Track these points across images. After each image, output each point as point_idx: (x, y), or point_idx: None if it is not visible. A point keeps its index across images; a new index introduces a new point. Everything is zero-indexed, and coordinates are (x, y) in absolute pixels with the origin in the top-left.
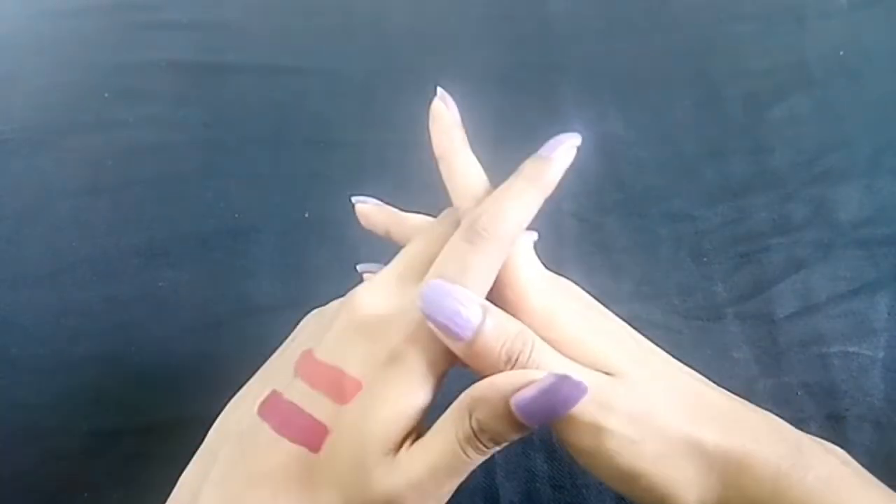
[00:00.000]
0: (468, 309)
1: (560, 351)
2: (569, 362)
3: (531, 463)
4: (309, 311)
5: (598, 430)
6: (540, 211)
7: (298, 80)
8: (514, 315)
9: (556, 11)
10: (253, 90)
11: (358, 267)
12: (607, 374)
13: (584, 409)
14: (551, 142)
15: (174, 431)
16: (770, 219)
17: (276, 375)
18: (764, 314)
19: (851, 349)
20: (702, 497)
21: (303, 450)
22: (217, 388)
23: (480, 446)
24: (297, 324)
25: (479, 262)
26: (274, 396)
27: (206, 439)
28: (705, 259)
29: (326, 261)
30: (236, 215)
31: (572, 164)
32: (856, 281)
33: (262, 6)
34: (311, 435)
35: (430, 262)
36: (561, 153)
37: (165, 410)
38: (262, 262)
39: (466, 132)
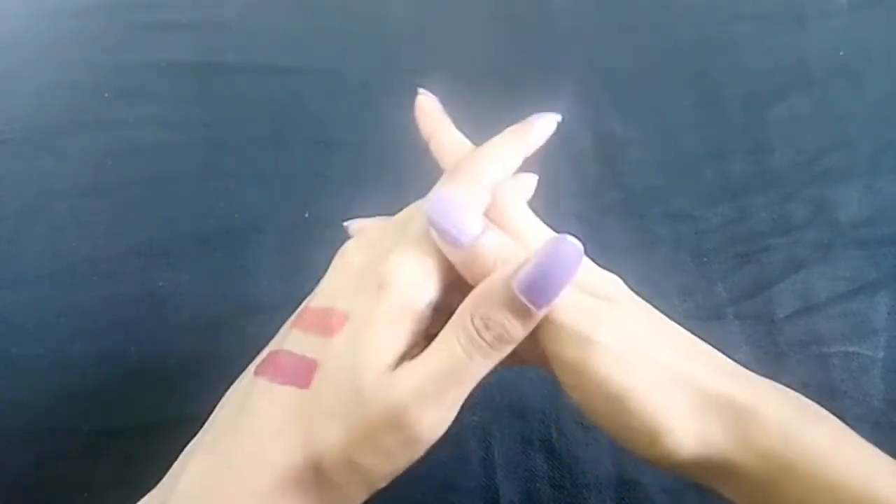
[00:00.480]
0: (471, 218)
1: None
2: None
3: (531, 463)
4: None
5: (586, 341)
6: (540, 211)
7: (298, 80)
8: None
9: (556, 11)
10: (253, 90)
11: (345, 223)
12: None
13: (575, 318)
14: (533, 116)
15: (174, 431)
16: (770, 219)
17: (277, 339)
18: (764, 314)
19: (851, 349)
20: (699, 438)
21: (294, 389)
22: (217, 388)
23: (484, 345)
24: None
25: (457, 189)
26: (270, 354)
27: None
28: (705, 259)
29: (326, 261)
30: (236, 215)
31: (572, 164)
32: (856, 281)
33: (262, 6)
34: (300, 373)
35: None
36: (543, 121)
37: (165, 410)
38: (262, 262)
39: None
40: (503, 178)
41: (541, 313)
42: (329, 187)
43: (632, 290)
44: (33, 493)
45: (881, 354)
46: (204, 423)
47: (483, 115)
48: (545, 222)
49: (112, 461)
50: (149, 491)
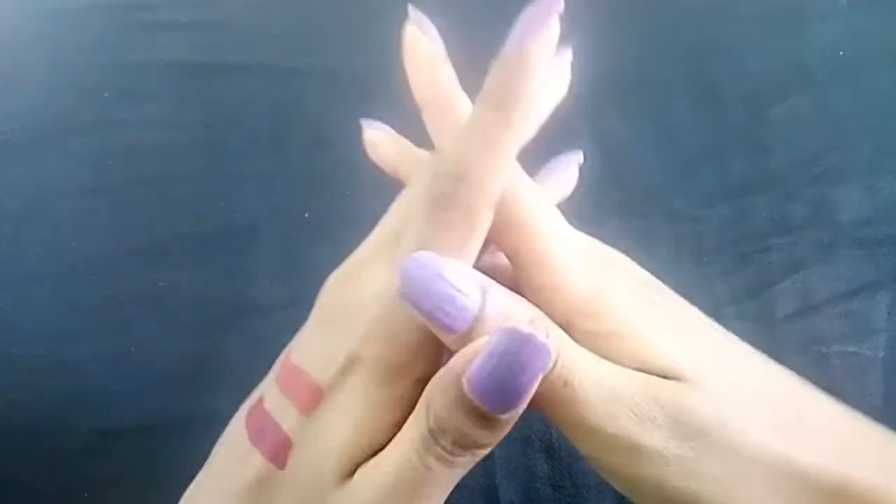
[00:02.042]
0: (463, 291)
1: (603, 347)
2: (604, 364)
3: (531, 463)
4: (309, 312)
5: (635, 449)
6: None
7: (298, 80)
8: (547, 303)
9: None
10: (253, 90)
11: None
12: (671, 378)
13: (616, 421)
14: (517, 26)
15: (174, 431)
16: (770, 219)
17: (267, 377)
18: (764, 314)
19: (851, 349)
20: None
21: (271, 466)
22: (217, 388)
23: (442, 453)
24: (299, 325)
25: (442, 238)
26: (257, 404)
27: (213, 450)
28: (705, 259)
29: (326, 261)
30: (236, 215)
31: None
32: (856, 281)
33: (262, 6)
34: (278, 449)
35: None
36: (530, 41)
37: (165, 410)
38: (262, 262)
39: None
40: (511, 175)
41: (509, 418)
42: (329, 187)
43: None
44: (33, 493)
45: (881, 354)
46: (204, 424)
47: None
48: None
49: (112, 461)
50: (149, 491)
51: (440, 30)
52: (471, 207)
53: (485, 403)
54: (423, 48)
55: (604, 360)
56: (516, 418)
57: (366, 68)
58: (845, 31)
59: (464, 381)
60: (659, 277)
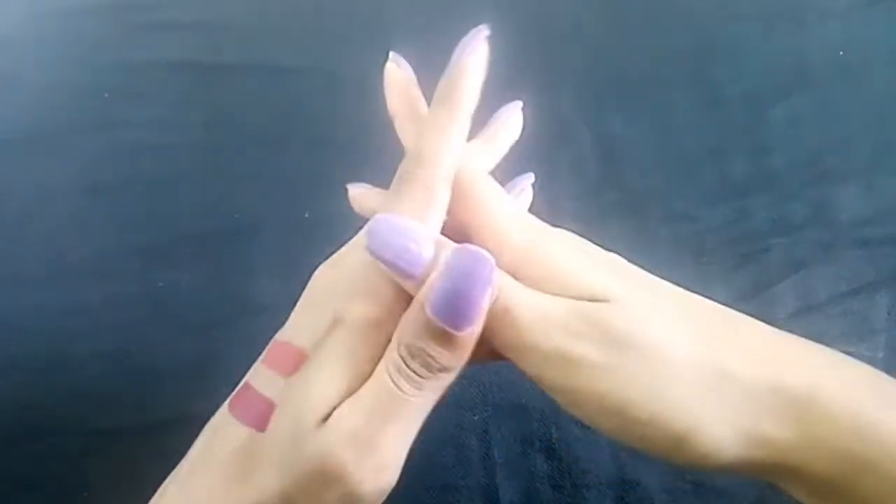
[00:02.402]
0: (418, 243)
1: (544, 287)
2: (539, 294)
3: (531, 463)
4: None
5: (566, 359)
6: (539, 211)
7: (298, 80)
8: (495, 259)
9: (556, 11)
10: (253, 90)
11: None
12: (589, 299)
13: (548, 337)
14: (459, 46)
15: (174, 431)
16: (770, 219)
17: (253, 367)
18: (764, 314)
19: (851, 349)
20: (744, 438)
21: (252, 432)
22: (217, 388)
23: (412, 375)
24: None
25: (405, 208)
26: (243, 388)
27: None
28: (705, 259)
29: (326, 260)
30: (236, 215)
31: (572, 164)
32: (856, 281)
33: (262, 6)
34: (260, 414)
35: None
36: (470, 53)
37: (165, 410)
38: (262, 262)
39: (423, 93)
40: (460, 164)
41: (466, 335)
42: (329, 187)
43: None
44: (33, 493)
45: (881, 354)
46: (204, 423)
47: (483, 116)
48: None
49: (112, 461)
50: (149, 491)
51: (413, 64)
52: (426, 181)
53: (444, 320)
54: (396, 74)
55: (537, 291)
56: (474, 338)
57: (366, 68)
58: (845, 31)
59: (426, 305)
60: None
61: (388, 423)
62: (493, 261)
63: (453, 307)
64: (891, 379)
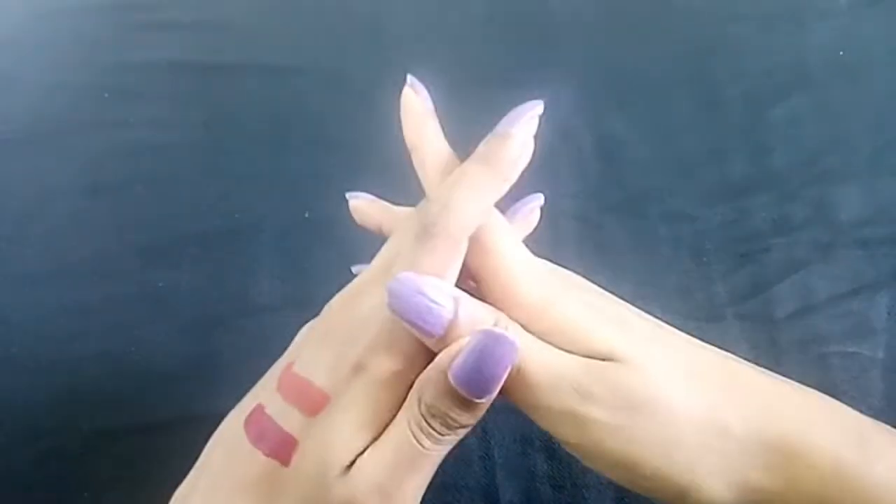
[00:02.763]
0: (438, 303)
1: (555, 342)
2: (551, 351)
3: (531, 463)
4: (309, 312)
5: (577, 420)
6: (539, 211)
7: (298, 80)
8: (504, 310)
9: (556, 11)
10: (253, 90)
11: (353, 269)
12: (603, 358)
13: (560, 398)
14: (510, 115)
15: (174, 431)
16: (770, 219)
17: (264, 388)
18: (764, 314)
19: (851, 349)
20: (737, 488)
21: (275, 463)
22: (217, 388)
23: (433, 433)
24: (299, 325)
25: (429, 261)
26: (257, 410)
27: (203, 453)
28: (705, 259)
29: (326, 261)
30: (236, 215)
31: (572, 164)
32: (856, 281)
33: (262, 6)
34: (282, 448)
35: None
36: (522, 126)
37: (165, 410)
38: (262, 262)
39: (441, 122)
40: (484, 219)
41: (485, 402)
42: (329, 187)
43: (632, 290)
44: (33, 493)
45: (881, 354)
46: (204, 423)
47: (483, 116)
48: (545, 223)
49: (112, 461)
50: (149, 491)
51: (432, 91)
52: (453, 238)
53: (466, 391)
54: (414, 105)
55: (551, 347)
56: (491, 401)
57: (366, 68)
58: (845, 31)
59: (449, 374)
60: (659, 277)
61: (408, 475)
62: (517, 344)
63: (475, 382)
64: (878, 426)
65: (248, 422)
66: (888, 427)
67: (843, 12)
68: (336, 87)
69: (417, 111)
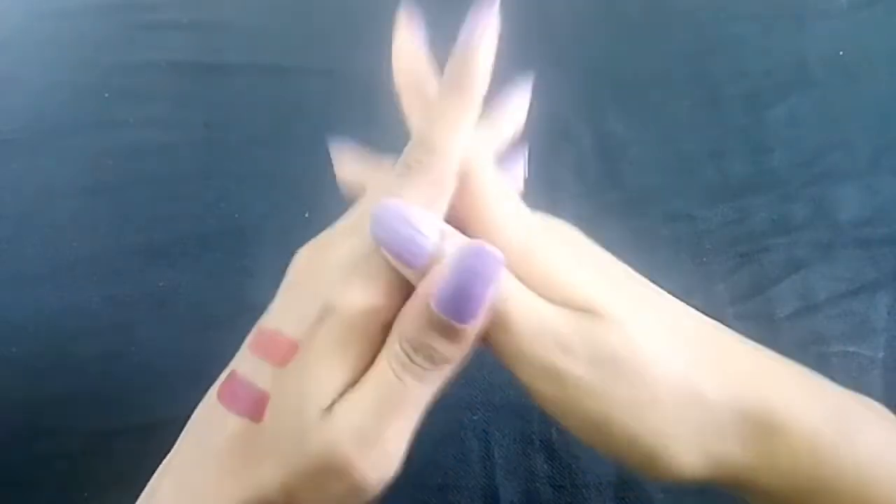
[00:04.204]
0: (425, 233)
1: (537, 290)
2: (537, 301)
3: (531, 463)
4: None
5: (556, 373)
6: (539, 211)
7: (298, 80)
8: None
9: (556, 11)
10: (253, 90)
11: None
12: (591, 312)
13: (542, 349)
14: (466, 25)
15: (174, 431)
16: (770, 219)
17: (237, 355)
18: (764, 314)
19: (851, 349)
20: (709, 458)
21: (247, 422)
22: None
23: (416, 368)
24: None
25: (412, 198)
26: (229, 377)
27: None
28: (705, 259)
29: None
30: (236, 215)
31: (572, 164)
32: (856, 281)
33: (262, 6)
34: (254, 404)
35: None
36: (480, 36)
37: (165, 410)
38: (262, 262)
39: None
40: (472, 148)
41: (469, 329)
42: (329, 187)
43: None
44: (33, 493)
45: (881, 354)
46: None
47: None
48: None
49: (112, 461)
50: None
51: (429, 25)
52: (435, 172)
53: (449, 314)
54: (406, 45)
55: (535, 295)
56: (476, 330)
57: (366, 68)
58: (845, 31)
59: (431, 300)
60: (659, 277)
61: (391, 416)
62: (501, 258)
63: (458, 303)
64: (864, 403)
65: (221, 389)
66: (876, 404)
67: (843, 12)
68: (336, 87)
69: (408, 53)
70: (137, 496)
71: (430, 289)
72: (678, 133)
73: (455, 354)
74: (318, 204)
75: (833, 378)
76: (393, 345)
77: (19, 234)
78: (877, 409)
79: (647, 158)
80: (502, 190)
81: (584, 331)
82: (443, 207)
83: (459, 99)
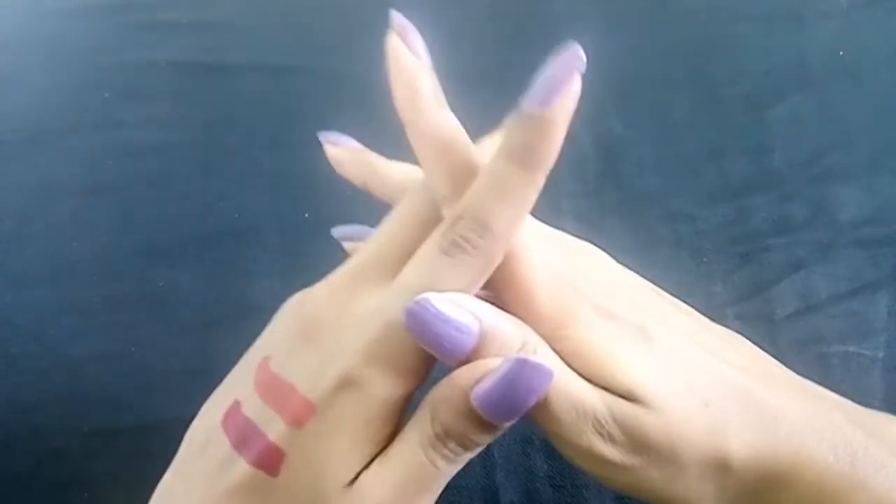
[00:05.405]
0: (461, 329)
1: (576, 367)
2: (576, 382)
3: (531, 463)
4: None
5: (594, 456)
6: (539, 211)
7: (298, 80)
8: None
9: (556, 11)
10: (253, 90)
11: (334, 232)
12: (628, 397)
13: (581, 435)
14: (540, 84)
15: (174, 431)
16: (770, 219)
17: (240, 379)
18: (764, 314)
19: (851, 349)
20: None
21: (262, 474)
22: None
23: (448, 453)
24: None
25: (455, 280)
26: (234, 408)
27: (181, 447)
28: (705, 259)
29: (326, 261)
30: (236, 215)
31: (572, 164)
32: (856, 281)
33: (263, 6)
34: (268, 458)
35: (401, 254)
36: (560, 104)
37: (165, 410)
38: (262, 262)
39: (443, 85)
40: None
41: (507, 425)
42: (329, 187)
43: None
44: (33, 493)
45: (881, 354)
46: None
47: (483, 116)
48: (544, 222)
49: (112, 461)
50: (149, 491)
51: (424, 34)
52: (490, 255)
53: (491, 417)
54: (407, 62)
55: (574, 375)
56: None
57: (366, 68)
58: (845, 31)
59: (472, 397)
60: (659, 277)
61: (418, 495)
62: (551, 372)
63: (502, 409)
64: (874, 436)
65: (227, 420)
66: (891, 430)
67: (843, 12)
68: (336, 87)
69: (410, 69)
70: (137, 496)
71: (469, 383)
72: (678, 133)
73: (488, 441)
74: (318, 204)
75: (833, 378)
76: (425, 425)
77: (19, 234)
78: (888, 442)
79: (647, 158)
80: (539, 257)
81: (622, 418)
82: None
83: (528, 177)
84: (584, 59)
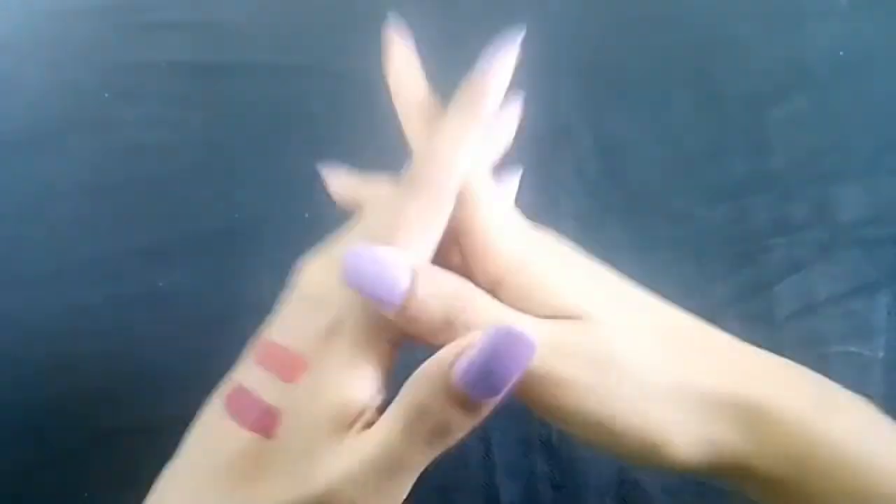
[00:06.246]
0: (393, 272)
1: (528, 300)
2: (518, 315)
3: (531, 463)
4: None
5: (557, 380)
6: (539, 211)
7: (299, 79)
8: (481, 265)
9: (556, 11)
10: (253, 90)
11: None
12: (584, 318)
13: (539, 360)
14: (487, 52)
15: (174, 431)
16: (770, 219)
17: (242, 365)
18: (764, 314)
19: (851, 349)
20: (706, 445)
21: (257, 437)
22: (217, 388)
23: (425, 437)
24: None
25: (412, 216)
26: (235, 387)
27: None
28: (705, 259)
29: None
30: (236, 215)
31: (572, 164)
32: (856, 281)
33: (262, 6)
34: (264, 420)
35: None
36: (500, 65)
37: (165, 410)
38: (262, 262)
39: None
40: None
41: (488, 405)
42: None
43: None
44: (33, 493)
45: (881, 354)
46: None
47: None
48: (544, 223)
49: (112, 461)
50: (148, 491)
51: (418, 33)
52: (439, 186)
53: (472, 393)
54: (400, 56)
55: (524, 315)
56: (493, 406)
57: (366, 68)
58: (845, 31)
59: (453, 372)
60: (659, 277)
61: (392, 478)
62: (535, 344)
63: (485, 383)
64: (839, 390)
65: (229, 399)
66: (851, 393)
67: (843, 12)
68: (336, 87)
69: (402, 55)
70: (137, 496)
71: (450, 359)
72: (678, 133)
73: (468, 425)
74: (318, 204)
75: (833, 378)
76: (403, 406)
77: (19, 234)
78: (854, 396)
79: (648, 158)
80: (499, 204)
81: (579, 334)
82: (442, 222)
83: (469, 118)
84: (521, 35)
